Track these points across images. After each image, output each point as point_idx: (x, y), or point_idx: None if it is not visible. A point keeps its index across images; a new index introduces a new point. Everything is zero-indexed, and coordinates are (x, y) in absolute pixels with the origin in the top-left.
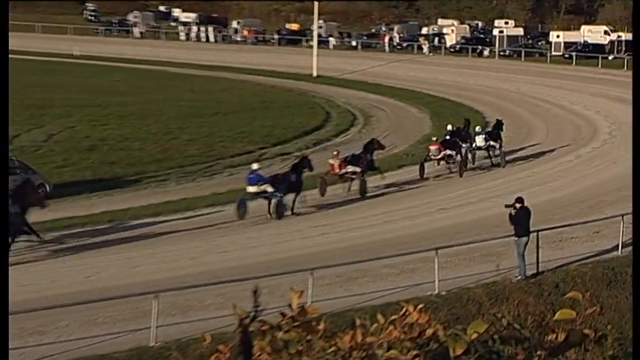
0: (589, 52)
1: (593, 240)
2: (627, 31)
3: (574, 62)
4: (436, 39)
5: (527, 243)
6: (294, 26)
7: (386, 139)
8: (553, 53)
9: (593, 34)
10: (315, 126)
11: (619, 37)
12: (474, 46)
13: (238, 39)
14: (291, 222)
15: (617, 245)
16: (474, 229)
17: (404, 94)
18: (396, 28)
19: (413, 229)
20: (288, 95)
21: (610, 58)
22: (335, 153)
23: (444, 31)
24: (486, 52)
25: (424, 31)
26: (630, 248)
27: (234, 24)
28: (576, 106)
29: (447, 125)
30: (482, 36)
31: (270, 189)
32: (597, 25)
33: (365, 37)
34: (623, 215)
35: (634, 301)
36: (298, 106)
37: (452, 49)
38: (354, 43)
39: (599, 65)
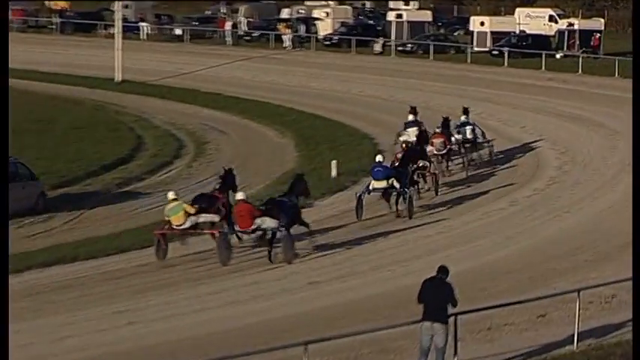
0: (528, 48)
1: (537, 328)
2: (582, 17)
3: (506, 62)
4: (303, 26)
5: (446, 334)
6: (61, 4)
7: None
8: (475, 48)
9: (533, 20)
10: (120, 157)
11: (571, 25)
12: (360, 38)
13: None
14: (84, 303)
15: (572, 335)
16: (362, 313)
17: (256, 109)
18: (242, 9)
19: (270, 314)
20: (78, 110)
21: (558, 56)
22: (403, 146)
23: (315, 14)
24: (378, 47)
25: (285, 14)
26: (590, 341)
27: None
28: (510, 127)
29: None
30: (371, 22)
31: (396, 184)
32: (539, 7)
33: (196, 23)
34: (579, 290)
35: (634, 302)
36: (93, 127)
37: (327, 42)
38: (178, 32)
39: (543, 67)
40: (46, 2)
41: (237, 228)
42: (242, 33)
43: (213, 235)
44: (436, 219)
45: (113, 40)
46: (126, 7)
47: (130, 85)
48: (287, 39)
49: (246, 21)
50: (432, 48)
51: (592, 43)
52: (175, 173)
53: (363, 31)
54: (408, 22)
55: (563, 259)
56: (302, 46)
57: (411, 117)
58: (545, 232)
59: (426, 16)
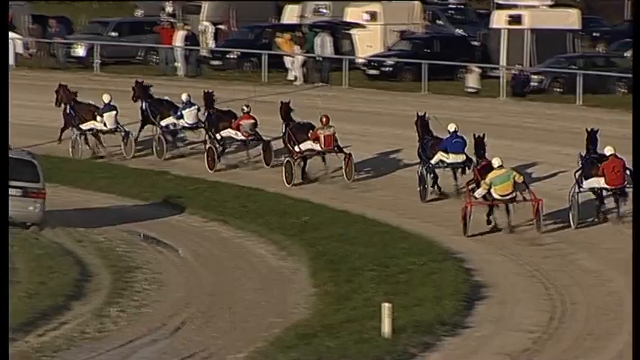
0: None
1: None
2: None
3: None
4: (328, 41)
5: None
6: None
7: (176, 339)
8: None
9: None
10: None
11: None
12: (439, 62)
13: None
14: None
15: None
16: None
17: (236, 202)
18: (206, 6)
19: None
20: None
21: None
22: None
23: (350, 17)
24: (472, 80)
25: (291, 16)
26: None
27: None
28: None
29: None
30: (460, 32)
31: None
32: None
33: (114, 34)
34: None
35: (633, 300)
36: None
37: (373, 70)
38: (80, 52)
39: None
40: None
41: (603, 185)
42: (206, 54)
43: (537, 204)
44: None
45: None
46: None
47: None
48: (295, 65)
49: (213, 30)
50: (580, 83)
51: None
52: (69, 330)
53: (444, 49)
54: (535, 31)
55: None
56: (325, 78)
57: (185, 96)
58: None
59: (569, 20)
